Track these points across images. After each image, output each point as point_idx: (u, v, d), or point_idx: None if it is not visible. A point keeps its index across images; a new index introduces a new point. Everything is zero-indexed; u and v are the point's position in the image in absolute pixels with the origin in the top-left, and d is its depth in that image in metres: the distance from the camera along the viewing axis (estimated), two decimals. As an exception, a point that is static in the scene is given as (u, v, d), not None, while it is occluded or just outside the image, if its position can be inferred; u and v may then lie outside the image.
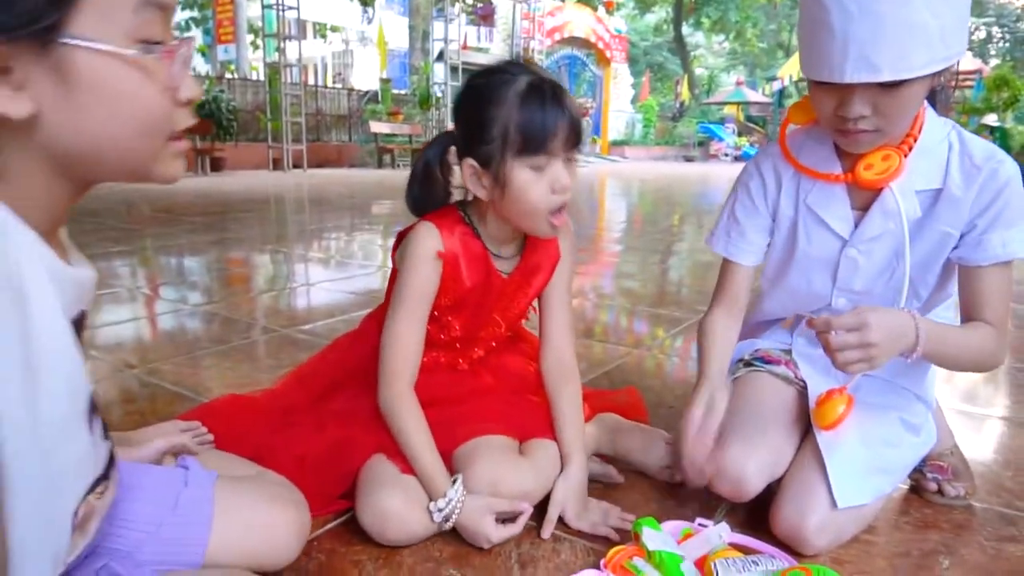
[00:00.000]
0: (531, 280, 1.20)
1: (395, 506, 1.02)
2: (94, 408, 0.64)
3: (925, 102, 1.06)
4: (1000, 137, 10.74)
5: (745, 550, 1.02)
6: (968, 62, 15.43)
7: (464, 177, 1.07)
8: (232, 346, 2.06)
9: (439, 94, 14.21)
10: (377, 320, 1.21)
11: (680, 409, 1.48)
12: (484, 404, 1.20)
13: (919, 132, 1.05)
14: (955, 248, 1.07)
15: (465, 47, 14.94)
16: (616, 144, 22.00)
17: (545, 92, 1.01)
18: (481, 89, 1.04)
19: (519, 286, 1.20)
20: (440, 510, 1.03)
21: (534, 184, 1.02)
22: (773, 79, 24.07)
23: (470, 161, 1.05)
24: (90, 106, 0.55)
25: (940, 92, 1.08)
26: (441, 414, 1.13)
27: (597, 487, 1.25)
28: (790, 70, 18.60)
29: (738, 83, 26.00)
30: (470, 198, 1.13)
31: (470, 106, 1.05)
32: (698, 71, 35.46)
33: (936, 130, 1.06)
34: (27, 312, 0.53)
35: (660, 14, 32.96)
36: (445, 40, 13.46)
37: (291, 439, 1.17)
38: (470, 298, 1.16)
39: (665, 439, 1.31)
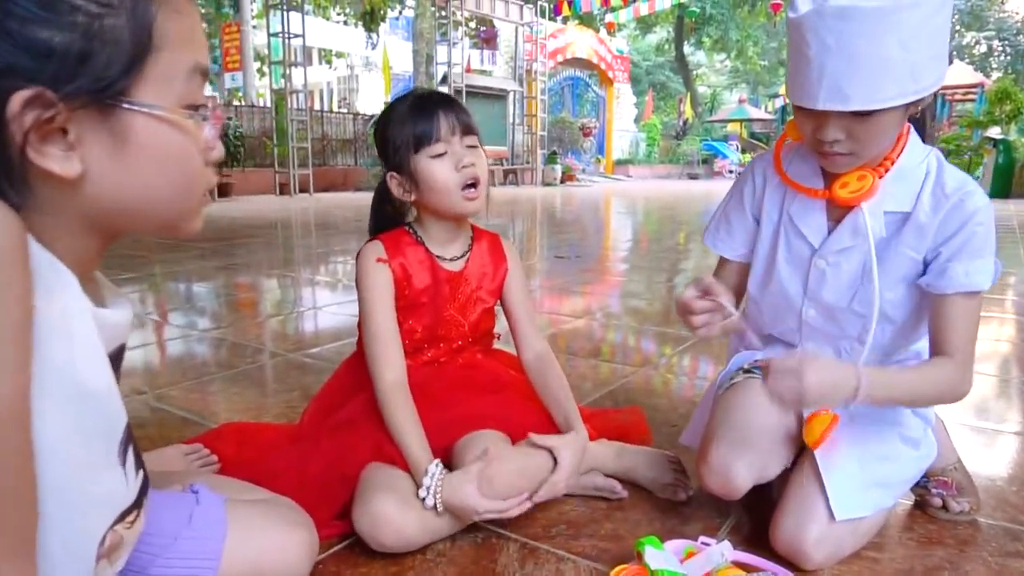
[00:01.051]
0: (482, 283, 1.34)
1: (389, 510, 1.05)
2: (129, 439, 0.65)
3: (911, 126, 1.10)
4: (1004, 150, 10.73)
5: (748, 568, 1.02)
6: (969, 76, 15.49)
7: (393, 189, 1.25)
8: (240, 371, 2.08)
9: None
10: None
11: (684, 428, 1.48)
12: (478, 405, 1.24)
13: (898, 155, 1.08)
14: (923, 275, 1.09)
15: (469, 70, 15.07)
16: (620, 163, 22.06)
17: (424, 97, 1.22)
18: (383, 118, 1.26)
19: (472, 288, 1.33)
20: (428, 489, 1.07)
21: (439, 168, 1.20)
22: (775, 96, 24.26)
23: (392, 174, 1.24)
24: (140, 167, 0.58)
25: (921, 119, 1.12)
26: (435, 417, 1.17)
27: (601, 504, 1.26)
28: (792, 87, 18.65)
29: (741, 101, 26.14)
30: (413, 218, 1.33)
31: (380, 133, 1.25)
32: (701, 89, 35.69)
33: (916, 155, 1.09)
34: (73, 348, 0.55)
35: (661, 34, 33.25)
36: (448, 64, 13.60)
37: (295, 461, 1.20)
38: (423, 297, 1.29)
39: (668, 457, 1.32)
